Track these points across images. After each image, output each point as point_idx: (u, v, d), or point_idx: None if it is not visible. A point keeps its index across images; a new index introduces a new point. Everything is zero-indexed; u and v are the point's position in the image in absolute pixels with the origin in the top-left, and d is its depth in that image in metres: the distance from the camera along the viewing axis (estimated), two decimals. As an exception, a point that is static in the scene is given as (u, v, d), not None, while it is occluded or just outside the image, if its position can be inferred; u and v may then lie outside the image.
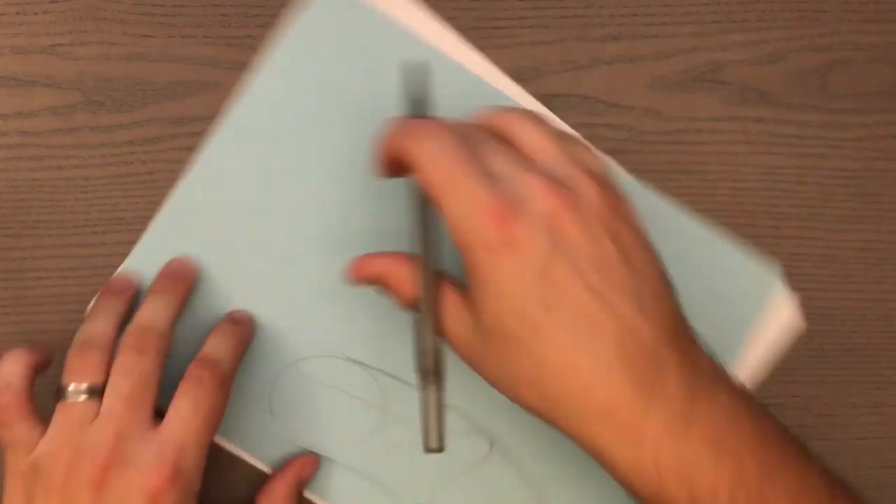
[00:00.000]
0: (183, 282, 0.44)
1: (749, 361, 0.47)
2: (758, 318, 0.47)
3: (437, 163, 0.36)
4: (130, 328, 0.41)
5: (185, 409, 0.39)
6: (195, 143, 0.46)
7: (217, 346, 0.42)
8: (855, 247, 0.48)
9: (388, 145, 0.39)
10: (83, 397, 0.39)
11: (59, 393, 0.39)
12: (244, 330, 0.44)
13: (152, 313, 0.42)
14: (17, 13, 0.45)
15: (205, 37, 0.46)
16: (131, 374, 0.39)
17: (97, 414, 0.39)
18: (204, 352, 0.42)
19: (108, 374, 0.40)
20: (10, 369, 0.40)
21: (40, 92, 0.45)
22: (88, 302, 0.46)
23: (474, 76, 0.46)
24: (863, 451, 0.48)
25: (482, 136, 0.38)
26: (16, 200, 0.45)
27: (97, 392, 0.39)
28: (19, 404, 0.40)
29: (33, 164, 0.45)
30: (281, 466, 0.45)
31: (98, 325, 0.41)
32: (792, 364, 0.48)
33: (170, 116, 0.46)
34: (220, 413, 0.40)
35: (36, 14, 0.45)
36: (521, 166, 0.36)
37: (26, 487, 0.39)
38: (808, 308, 0.48)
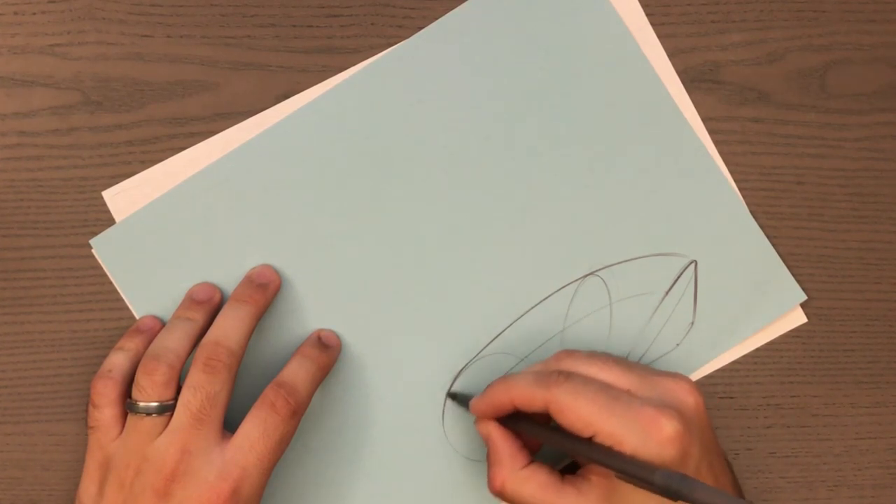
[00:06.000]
0: (264, 291, 0.44)
1: (744, 346, 0.48)
2: (768, 320, 0.47)
3: (583, 400, 0.39)
4: (205, 342, 0.42)
5: (255, 435, 0.40)
6: (193, 143, 0.46)
7: (297, 372, 0.43)
8: (854, 247, 0.48)
9: (517, 397, 0.40)
10: (153, 414, 0.40)
11: (129, 405, 0.41)
12: (329, 356, 0.44)
13: (227, 328, 0.42)
14: (16, 13, 0.45)
15: (203, 37, 0.46)
16: (201, 391, 0.40)
17: (166, 426, 0.40)
18: (283, 376, 0.42)
19: (176, 388, 0.41)
20: (117, 360, 0.43)
21: (39, 92, 0.45)
22: (87, 302, 0.46)
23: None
24: (862, 451, 0.48)
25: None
26: (15, 200, 0.45)
27: (166, 408, 0.41)
28: (114, 393, 0.42)
29: (32, 164, 0.45)
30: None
31: (171, 337, 0.42)
32: (791, 364, 0.48)
33: (168, 116, 0.46)
34: (287, 441, 0.41)
35: (34, 14, 0.45)
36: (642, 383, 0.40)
37: (101, 475, 0.41)
38: (808, 308, 0.48)
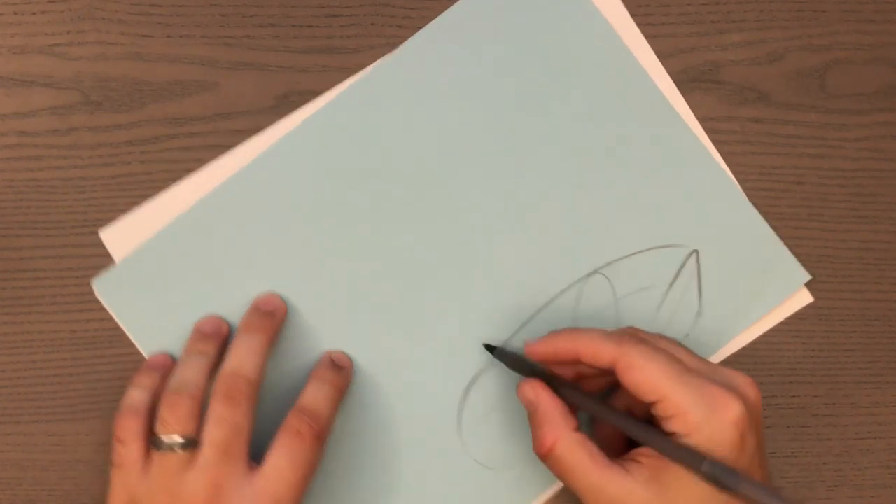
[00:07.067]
0: (273, 318, 0.44)
1: (752, 331, 0.48)
2: (774, 303, 0.48)
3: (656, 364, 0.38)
4: (222, 374, 0.41)
5: (283, 464, 0.40)
6: (193, 143, 0.46)
7: (316, 396, 0.42)
8: (853, 247, 0.48)
9: (584, 347, 0.40)
10: (178, 449, 0.40)
11: (154, 441, 0.40)
12: (343, 377, 0.44)
13: (243, 358, 0.42)
14: (15, 13, 0.45)
15: (203, 37, 0.46)
16: (225, 423, 0.40)
17: (192, 461, 0.40)
18: (303, 401, 0.42)
19: (199, 421, 0.41)
20: (138, 396, 0.42)
21: (38, 92, 0.45)
22: (87, 302, 0.46)
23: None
24: (862, 451, 0.48)
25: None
26: (14, 200, 0.45)
27: (190, 442, 0.40)
28: (139, 429, 0.41)
29: (32, 164, 0.45)
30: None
31: (189, 371, 0.42)
32: (791, 364, 0.48)
33: (168, 116, 0.46)
34: (315, 466, 0.41)
35: (34, 14, 0.45)
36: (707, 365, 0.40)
37: None
38: (808, 307, 0.48)
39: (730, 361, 0.48)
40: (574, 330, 0.41)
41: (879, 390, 0.48)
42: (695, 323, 0.47)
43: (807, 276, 0.47)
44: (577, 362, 0.41)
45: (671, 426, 0.38)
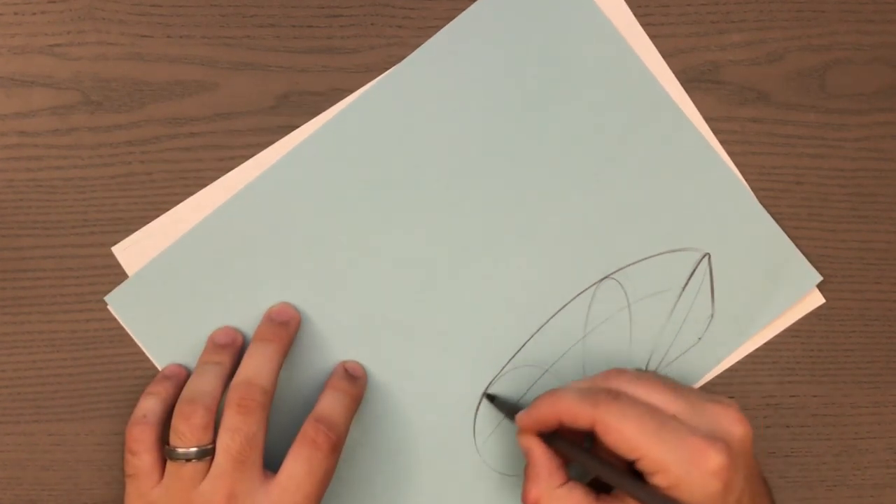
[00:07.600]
0: (287, 328, 0.44)
1: (764, 333, 0.48)
2: (786, 305, 0.48)
3: (631, 420, 0.38)
4: (236, 383, 0.42)
5: (300, 473, 0.40)
6: (193, 143, 0.46)
7: (332, 405, 0.43)
8: (853, 247, 0.48)
9: (563, 412, 0.40)
10: (192, 459, 0.40)
11: (168, 452, 0.41)
12: (358, 387, 0.44)
13: (257, 367, 0.42)
14: (15, 13, 0.45)
15: (203, 37, 0.46)
16: (239, 433, 0.40)
17: (207, 471, 0.40)
18: (320, 411, 0.42)
19: (213, 431, 0.41)
20: (149, 404, 0.43)
21: (39, 92, 0.45)
22: (87, 302, 0.46)
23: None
24: (862, 451, 0.48)
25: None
26: (14, 200, 0.45)
27: (205, 452, 0.40)
28: (151, 438, 0.42)
29: (32, 165, 0.45)
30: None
31: (203, 381, 0.42)
32: (790, 364, 0.48)
33: (168, 116, 0.46)
34: (331, 476, 0.41)
35: (34, 14, 0.45)
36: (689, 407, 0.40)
37: None
38: (807, 308, 0.48)
39: (733, 366, 0.48)
40: (554, 394, 0.41)
41: (879, 390, 0.49)
42: (708, 326, 0.47)
43: (818, 278, 0.47)
44: (562, 425, 0.41)
45: (654, 481, 0.38)
